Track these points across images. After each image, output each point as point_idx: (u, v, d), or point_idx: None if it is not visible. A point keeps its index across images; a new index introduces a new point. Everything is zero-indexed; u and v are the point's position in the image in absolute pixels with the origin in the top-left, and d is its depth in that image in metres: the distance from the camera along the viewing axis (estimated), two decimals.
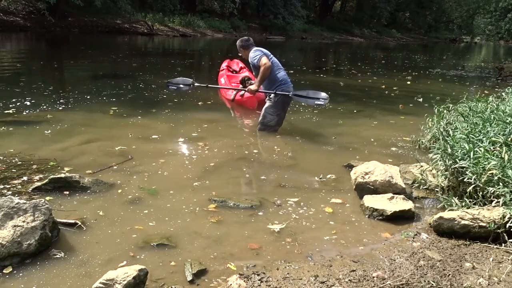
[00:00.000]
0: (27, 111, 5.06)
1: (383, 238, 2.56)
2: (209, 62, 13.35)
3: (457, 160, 2.92)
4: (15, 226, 2.14)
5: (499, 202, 2.53)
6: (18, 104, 5.32)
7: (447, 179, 3.05)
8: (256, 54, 4.55)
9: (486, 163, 2.69)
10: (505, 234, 2.41)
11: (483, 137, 3.10)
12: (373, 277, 2.10)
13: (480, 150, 2.83)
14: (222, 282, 2.04)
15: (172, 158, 3.86)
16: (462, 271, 2.17)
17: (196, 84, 5.31)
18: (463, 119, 3.82)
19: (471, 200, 2.77)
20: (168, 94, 6.56)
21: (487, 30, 52.72)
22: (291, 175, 3.59)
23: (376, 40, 34.89)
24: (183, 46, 18.29)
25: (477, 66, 17.27)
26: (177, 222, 2.63)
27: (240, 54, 4.88)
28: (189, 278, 2.05)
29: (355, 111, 6.43)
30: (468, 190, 2.76)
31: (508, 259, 2.26)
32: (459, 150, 2.97)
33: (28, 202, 2.26)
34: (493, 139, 2.99)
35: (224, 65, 7.62)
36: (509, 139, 2.94)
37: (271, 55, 4.65)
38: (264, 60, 4.45)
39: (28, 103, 5.41)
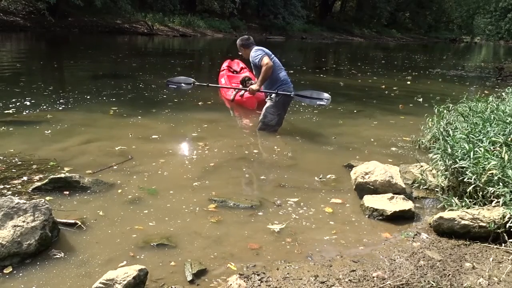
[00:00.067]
0: (27, 111, 5.06)
1: (383, 238, 2.56)
2: (209, 62, 13.36)
3: (457, 160, 2.92)
4: (15, 226, 2.14)
5: (499, 202, 2.53)
6: (18, 104, 5.32)
7: (447, 179, 3.05)
8: (257, 53, 4.55)
9: (486, 163, 2.69)
10: (505, 234, 2.41)
11: (483, 137, 3.10)
12: (373, 277, 2.10)
13: (480, 150, 2.83)
14: (222, 282, 2.04)
15: (172, 158, 3.86)
16: (462, 271, 2.17)
17: (196, 83, 5.31)
18: (463, 119, 3.82)
19: (471, 200, 2.77)
20: (168, 94, 6.56)
21: (487, 30, 52.76)
22: (291, 175, 3.59)
23: (376, 40, 34.90)
24: (183, 46, 18.29)
25: (477, 66, 17.27)
26: (177, 222, 2.63)
27: (240, 53, 4.87)
28: (189, 278, 2.05)
29: (355, 111, 6.43)
30: (468, 190, 2.76)
31: (508, 259, 2.26)
32: (459, 150, 2.97)
33: (28, 202, 2.26)
34: (493, 139, 2.99)
35: (224, 65, 7.61)
36: (509, 139, 2.94)
37: (272, 55, 4.65)
38: (266, 60, 4.44)
39: (28, 103, 5.41)
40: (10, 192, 2.82)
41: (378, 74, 11.67)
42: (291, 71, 9.00)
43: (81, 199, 2.85)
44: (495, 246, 2.41)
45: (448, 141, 3.13)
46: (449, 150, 3.02)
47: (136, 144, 4.07)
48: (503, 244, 2.41)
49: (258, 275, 2.07)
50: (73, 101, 5.74)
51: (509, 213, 2.37)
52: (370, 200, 2.91)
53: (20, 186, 2.94)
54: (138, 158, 3.69)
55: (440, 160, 3.15)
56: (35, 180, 3.04)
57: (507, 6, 46.55)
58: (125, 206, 2.79)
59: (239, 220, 2.70)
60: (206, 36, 23.48)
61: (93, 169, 3.35)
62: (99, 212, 2.66)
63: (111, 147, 3.95)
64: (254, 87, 4.69)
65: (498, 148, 2.87)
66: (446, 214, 2.59)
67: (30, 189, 2.87)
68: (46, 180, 2.92)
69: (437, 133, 3.97)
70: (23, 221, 2.17)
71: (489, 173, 2.63)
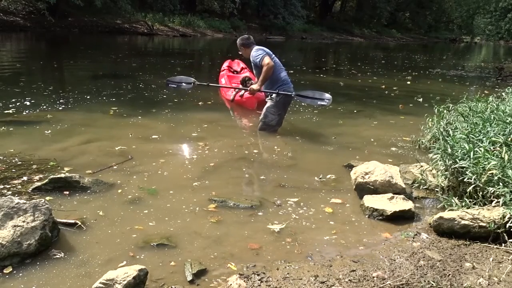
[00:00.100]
0: (27, 111, 5.06)
1: (383, 238, 2.56)
2: (209, 62, 13.36)
3: (457, 160, 2.92)
4: (15, 226, 2.14)
5: (499, 202, 2.53)
6: (18, 104, 5.32)
7: (447, 179, 3.05)
8: (258, 53, 4.54)
9: (486, 163, 2.69)
10: (505, 234, 2.41)
11: (483, 137, 3.10)
12: (373, 277, 2.10)
13: (480, 150, 2.83)
14: (222, 282, 2.04)
15: (172, 158, 3.86)
16: (462, 271, 2.17)
17: (197, 82, 5.31)
18: (463, 119, 3.82)
19: (471, 200, 2.77)
20: (168, 94, 6.57)
21: (487, 30, 52.74)
22: (291, 175, 3.59)
23: (376, 40, 34.89)
24: (183, 46, 18.29)
25: (477, 66, 17.27)
26: (177, 222, 2.63)
27: (241, 53, 4.87)
28: (189, 278, 2.05)
29: (355, 111, 6.43)
30: (468, 190, 2.76)
31: (508, 259, 2.26)
32: (459, 150, 2.97)
33: (28, 202, 2.26)
34: (493, 139, 2.99)
35: (225, 65, 7.60)
36: (509, 139, 2.94)
37: (273, 55, 4.64)
38: (267, 60, 4.44)
39: (28, 103, 5.41)
40: (10, 192, 2.82)
41: (378, 74, 11.67)
42: (291, 71, 8.99)
43: (81, 199, 2.85)
44: (495, 246, 2.41)
45: (448, 141, 3.13)
46: (449, 150, 3.02)
47: (136, 144, 4.07)
48: (503, 244, 2.41)
49: (258, 275, 2.07)
50: (73, 101, 5.74)
51: (509, 213, 2.37)
52: (370, 200, 2.91)
53: (20, 186, 2.94)
54: (138, 158, 3.69)
55: (440, 160, 3.15)
56: (35, 180, 3.04)
57: (507, 6, 46.54)
58: (125, 206, 2.79)
59: (239, 220, 2.70)
60: (206, 36, 23.48)
61: (93, 169, 3.35)
62: (99, 212, 2.66)
63: (111, 147, 3.95)
64: (255, 87, 4.68)
65: (498, 148, 2.87)
66: (446, 214, 2.59)
67: (30, 189, 2.87)
68: (46, 180, 2.92)
69: (437, 133, 3.97)
70: (23, 221, 2.17)
71: (489, 173, 2.63)
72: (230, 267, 2.17)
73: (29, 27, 17.10)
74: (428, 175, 3.30)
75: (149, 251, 2.29)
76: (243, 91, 5.38)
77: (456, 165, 2.90)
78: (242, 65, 7.64)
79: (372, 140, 4.77)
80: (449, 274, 2.13)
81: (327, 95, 4.64)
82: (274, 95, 4.63)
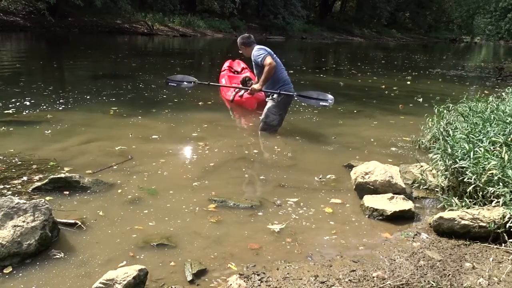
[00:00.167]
0: (27, 111, 5.06)
1: (383, 238, 2.56)
2: (209, 62, 13.36)
3: (457, 160, 2.92)
4: (15, 226, 2.14)
5: (499, 202, 2.53)
6: (18, 104, 5.32)
7: (447, 179, 3.05)
8: (260, 52, 4.53)
9: (486, 163, 2.69)
10: (505, 234, 2.41)
11: (483, 137, 3.10)
12: (373, 277, 2.10)
13: (480, 150, 2.83)
14: (222, 282, 2.04)
15: (172, 158, 3.86)
16: (462, 271, 2.17)
17: (197, 82, 5.31)
18: (463, 119, 3.82)
19: (471, 200, 2.77)
20: (168, 94, 6.57)
21: (487, 30, 52.74)
22: (291, 175, 3.59)
23: (376, 40, 34.89)
24: (183, 46, 18.29)
25: (477, 66, 17.27)
26: (177, 222, 2.63)
27: (241, 52, 4.86)
28: (189, 278, 2.05)
29: (355, 111, 6.43)
30: (468, 190, 2.76)
31: (508, 259, 2.26)
32: (459, 150, 2.97)
33: (28, 202, 2.26)
34: (493, 139, 2.99)
35: (225, 65, 7.60)
36: (509, 139, 2.94)
37: (274, 55, 4.64)
38: (269, 59, 4.43)
39: (28, 103, 5.41)
40: (10, 192, 2.82)
41: (378, 74, 11.67)
42: (291, 71, 8.97)
43: (81, 199, 2.85)
44: (495, 246, 2.41)
45: (448, 141, 3.13)
46: (449, 150, 3.02)
47: (136, 144, 4.07)
48: (503, 244, 2.41)
49: (258, 275, 2.07)
50: (73, 101, 5.74)
51: (509, 213, 2.37)
52: (370, 200, 2.91)
53: (20, 186, 2.94)
54: (138, 158, 3.69)
55: (440, 160, 3.15)
56: (35, 180, 3.03)
57: (507, 6, 46.55)
58: (125, 206, 2.79)
59: (239, 220, 2.70)
60: (206, 36, 23.48)
61: (93, 169, 3.35)
62: (99, 212, 2.66)
63: (111, 147, 3.95)
64: (256, 86, 4.67)
65: (498, 148, 2.87)
66: (446, 214, 2.59)
67: (30, 189, 2.87)
68: (46, 180, 2.92)
69: (437, 133, 3.97)
70: (23, 221, 2.17)
71: (489, 173, 2.63)
72: (230, 267, 2.17)
73: (29, 27, 17.10)
74: (428, 175, 3.30)
75: (149, 251, 2.29)
76: (242, 91, 5.38)
77: (456, 165, 2.90)
78: (242, 65, 7.63)
79: (372, 140, 4.77)
80: (449, 274, 2.13)
81: (329, 96, 4.63)
82: (275, 95, 4.62)
